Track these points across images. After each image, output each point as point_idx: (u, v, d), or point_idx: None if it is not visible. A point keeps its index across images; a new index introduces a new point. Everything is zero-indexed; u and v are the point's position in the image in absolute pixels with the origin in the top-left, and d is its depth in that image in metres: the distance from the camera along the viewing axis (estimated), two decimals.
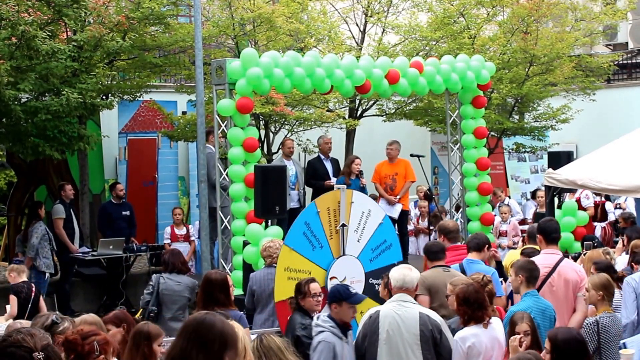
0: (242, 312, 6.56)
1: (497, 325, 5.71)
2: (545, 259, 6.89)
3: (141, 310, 8.00)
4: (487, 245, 7.56)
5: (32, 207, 11.44)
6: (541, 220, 7.74)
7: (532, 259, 6.89)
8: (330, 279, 8.16)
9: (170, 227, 12.51)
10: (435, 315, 5.79)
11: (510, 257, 7.80)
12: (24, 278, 8.72)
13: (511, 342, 5.34)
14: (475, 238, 7.67)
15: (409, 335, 5.61)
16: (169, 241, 12.26)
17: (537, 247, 7.53)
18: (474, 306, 5.59)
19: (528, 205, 14.39)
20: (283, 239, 8.41)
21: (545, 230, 7.13)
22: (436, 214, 12.52)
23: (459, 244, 8.15)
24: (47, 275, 10.85)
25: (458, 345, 5.55)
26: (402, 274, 5.83)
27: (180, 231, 12.46)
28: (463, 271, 7.21)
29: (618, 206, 13.22)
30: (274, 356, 4.37)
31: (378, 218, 8.45)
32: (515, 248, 12.16)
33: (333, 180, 11.44)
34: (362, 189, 10.95)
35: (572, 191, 11.23)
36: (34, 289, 8.65)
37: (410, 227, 13.25)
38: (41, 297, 8.88)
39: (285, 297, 7.36)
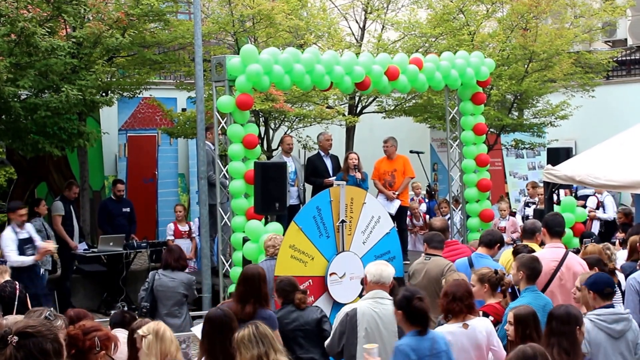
0: (273, 312, 6.32)
1: (480, 326, 5.65)
2: (551, 252, 6.92)
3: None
4: (498, 244, 7.66)
5: (31, 204, 11.45)
6: (548, 214, 7.79)
7: (537, 252, 6.92)
8: (330, 274, 8.23)
9: (174, 223, 12.51)
10: None
11: (506, 255, 7.83)
12: (7, 277, 8.63)
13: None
14: (490, 234, 7.76)
15: (387, 332, 5.68)
16: (172, 237, 12.25)
17: (530, 244, 7.55)
18: (449, 298, 5.62)
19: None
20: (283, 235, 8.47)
21: (548, 224, 7.19)
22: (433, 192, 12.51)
23: (448, 240, 8.31)
24: (43, 271, 10.85)
25: None
26: (379, 269, 5.85)
27: (183, 228, 12.46)
28: (471, 265, 7.28)
29: (601, 204, 13.21)
30: (268, 343, 4.50)
31: (386, 227, 8.59)
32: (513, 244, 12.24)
33: (332, 178, 11.47)
34: (357, 184, 10.99)
35: (569, 187, 11.27)
36: (18, 287, 8.57)
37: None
38: (27, 296, 8.77)
39: (284, 274, 7.46)
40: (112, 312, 6.33)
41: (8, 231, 9.73)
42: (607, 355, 5.40)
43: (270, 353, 4.42)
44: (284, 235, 8.40)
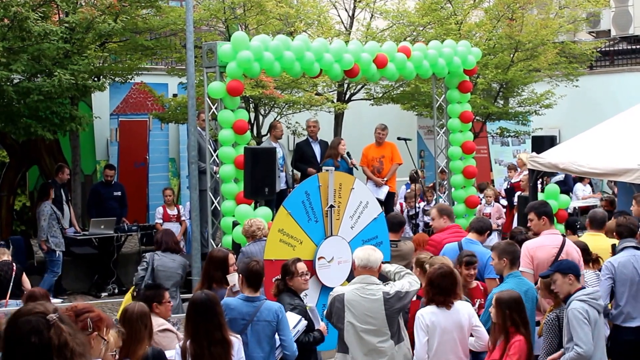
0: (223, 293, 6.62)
1: (462, 309, 5.84)
2: (551, 239, 7.03)
3: (133, 287, 8.16)
4: (488, 231, 7.89)
5: (42, 188, 11.59)
6: (541, 202, 7.87)
7: (536, 239, 7.07)
8: (319, 258, 8.39)
9: (162, 207, 12.61)
10: (395, 290, 5.85)
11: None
12: (5, 258, 8.76)
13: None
14: (481, 221, 7.98)
15: (376, 315, 5.77)
16: (160, 221, 12.37)
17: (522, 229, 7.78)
18: (435, 290, 5.79)
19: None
20: (271, 220, 8.61)
21: (548, 213, 7.26)
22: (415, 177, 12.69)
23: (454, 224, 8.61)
24: (59, 253, 10.98)
25: (419, 320, 5.75)
26: (366, 253, 5.90)
27: (172, 211, 12.57)
28: (460, 249, 7.43)
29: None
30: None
31: (374, 213, 8.65)
32: (498, 230, 12.47)
33: (323, 168, 11.59)
34: (350, 170, 11.14)
35: (553, 175, 11.48)
36: (14, 268, 8.68)
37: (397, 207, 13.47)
38: (24, 274, 8.87)
39: (272, 257, 7.60)
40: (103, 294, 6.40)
41: None
42: (599, 329, 5.70)
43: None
44: (272, 220, 8.54)
